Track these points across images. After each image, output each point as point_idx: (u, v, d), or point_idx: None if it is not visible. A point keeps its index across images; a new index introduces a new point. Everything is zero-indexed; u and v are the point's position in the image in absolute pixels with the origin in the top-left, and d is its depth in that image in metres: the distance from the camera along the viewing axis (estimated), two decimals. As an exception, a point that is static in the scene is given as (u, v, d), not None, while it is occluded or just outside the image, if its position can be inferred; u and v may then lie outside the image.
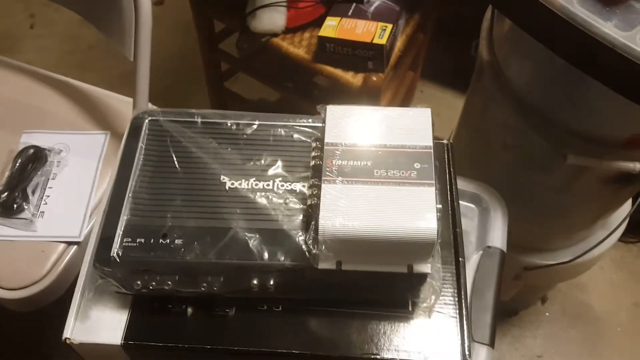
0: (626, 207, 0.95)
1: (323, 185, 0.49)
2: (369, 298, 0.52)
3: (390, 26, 0.99)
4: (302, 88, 1.51)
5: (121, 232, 0.50)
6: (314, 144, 0.54)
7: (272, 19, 1.08)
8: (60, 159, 0.89)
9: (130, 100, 0.90)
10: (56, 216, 0.83)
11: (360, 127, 0.53)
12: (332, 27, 1.02)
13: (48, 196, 0.85)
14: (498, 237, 0.67)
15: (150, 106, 0.92)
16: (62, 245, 0.81)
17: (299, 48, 1.08)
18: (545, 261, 0.95)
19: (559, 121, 0.72)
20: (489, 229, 0.67)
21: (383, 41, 0.97)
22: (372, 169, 0.50)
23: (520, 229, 0.75)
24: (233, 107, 1.52)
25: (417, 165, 0.50)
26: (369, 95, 1.03)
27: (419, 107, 0.54)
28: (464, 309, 0.52)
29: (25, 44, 1.76)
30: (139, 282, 0.49)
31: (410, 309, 0.52)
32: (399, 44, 1.07)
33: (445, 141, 0.61)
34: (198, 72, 1.38)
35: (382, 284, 0.50)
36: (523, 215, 0.79)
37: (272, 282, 0.49)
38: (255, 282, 0.49)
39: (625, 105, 0.60)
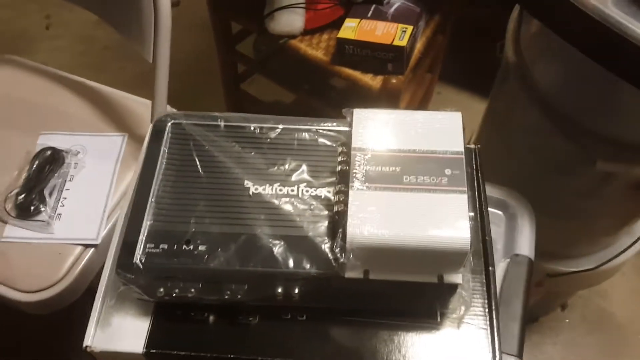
0: (653, 214, 0.93)
1: (350, 192, 0.47)
2: (396, 308, 0.50)
3: (410, 28, 0.98)
4: (318, 90, 1.50)
5: (144, 238, 0.49)
6: (340, 149, 0.53)
7: (290, 21, 1.07)
8: (78, 160, 0.88)
9: (148, 102, 0.89)
10: (73, 218, 0.82)
11: (388, 131, 0.51)
12: (351, 28, 1.00)
13: (65, 198, 0.84)
14: (526, 244, 0.65)
15: (169, 109, 0.91)
16: (79, 248, 0.80)
17: (317, 50, 1.06)
18: (568, 268, 0.93)
19: (589, 125, 0.71)
20: (517, 236, 0.66)
21: (403, 43, 0.96)
22: (402, 175, 0.48)
23: (544, 234, 0.74)
24: (249, 109, 1.51)
25: (448, 172, 0.48)
26: (387, 98, 1.02)
27: (449, 111, 0.52)
28: (494, 321, 0.50)
29: (40, 45, 1.76)
30: (161, 290, 0.48)
31: (438, 319, 0.51)
32: (419, 45, 1.06)
33: (472, 146, 0.60)
34: (214, 73, 1.38)
35: (411, 295, 0.49)
36: (547, 220, 0.77)
37: (297, 291, 0.48)
38: (279, 290, 0.48)
39: (659, 109, 0.58)
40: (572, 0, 0.55)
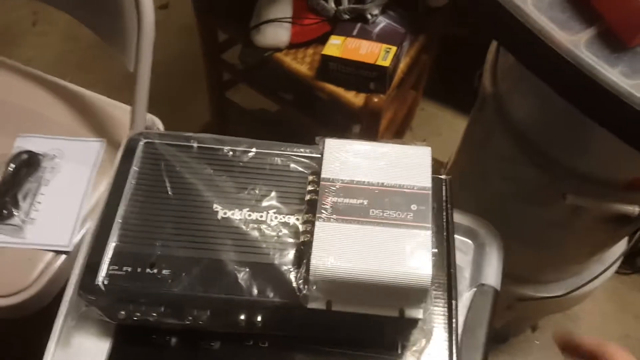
0: (622, 243, 0.94)
1: (317, 223, 0.48)
2: (358, 339, 0.51)
3: (394, 48, 0.99)
4: (302, 102, 1.50)
5: (108, 260, 0.48)
6: (310, 177, 0.53)
7: (276, 34, 1.07)
8: (54, 165, 0.88)
9: (128, 108, 0.89)
10: (46, 224, 0.82)
11: (358, 163, 0.52)
12: (336, 45, 1.01)
13: (40, 203, 0.84)
14: (492, 274, 0.65)
15: (149, 118, 0.91)
16: (51, 254, 0.80)
17: (301, 64, 1.07)
18: (538, 293, 0.95)
19: (560, 159, 0.72)
20: (484, 266, 0.66)
21: (387, 63, 0.97)
22: (369, 208, 0.49)
23: (515, 260, 0.74)
24: (233, 116, 1.51)
25: (414, 207, 0.49)
26: (369, 115, 1.02)
27: (419, 145, 0.53)
28: (454, 355, 0.51)
29: (26, 40, 1.75)
30: (123, 312, 0.48)
31: (399, 351, 0.51)
32: (402, 65, 1.07)
33: (443, 177, 0.60)
34: (200, 77, 1.38)
35: (372, 327, 0.49)
36: (517, 246, 0.78)
37: (259, 319, 0.48)
38: (242, 317, 0.48)
39: (628, 149, 0.59)
40: (547, 42, 0.56)
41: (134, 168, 0.54)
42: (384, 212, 0.48)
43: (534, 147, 0.74)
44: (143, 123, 0.87)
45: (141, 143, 0.56)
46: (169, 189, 0.53)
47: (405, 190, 0.50)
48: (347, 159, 0.52)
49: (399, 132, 1.41)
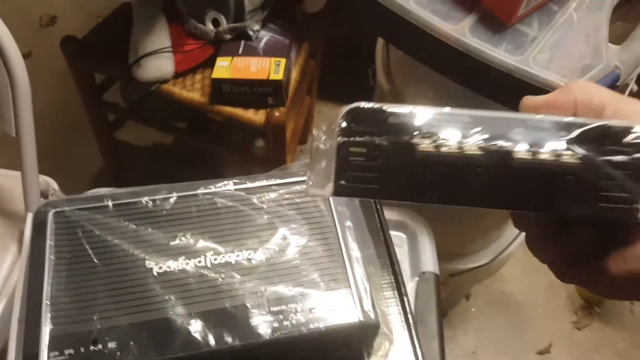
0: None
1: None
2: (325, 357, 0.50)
3: (283, 60, 0.99)
4: (198, 128, 1.47)
5: (46, 347, 0.44)
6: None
7: (159, 66, 1.04)
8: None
9: (16, 173, 0.82)
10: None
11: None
12: (224, 67, 0.99)
13: None
14: (430, 261, 0.68)
15: (42, 180, 0.84)
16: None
17: (192, 92, 1.04)
18: (468, 265, 0.99)
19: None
20: (420, 254, 0.68)
21: (279, 76, 0.96)
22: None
23: (441, 239, 0.77)
24: (126, 157, 1.44)
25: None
26: (273, 130, 1.02)
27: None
28: (417, 350, 0.52)
29: None
30: (75, 400, 0.44)
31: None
32: (294, 75, 1.07)
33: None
34: (84, 122, 1.30)
35: (337, 342, 0.49)
36: (441, 226, 0.80)
37: (223, 367, 0.46)
38: (205, 370, 0.46)
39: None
40: (435, 35, 0.58)
41: (49, 242, 0.50)
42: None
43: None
44: (37, 189, 0.80)
45: (50, 214, 0.51)
46: (92, 256, 0.49)
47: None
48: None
49: (301, 139, 1.42)
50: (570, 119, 0.28)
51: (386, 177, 0.27)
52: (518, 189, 0.27)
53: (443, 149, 0.27)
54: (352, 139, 0.27)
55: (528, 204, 0.28)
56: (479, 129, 0.28)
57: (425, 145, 0.27)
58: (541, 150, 0.27)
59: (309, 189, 0.28)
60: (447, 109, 0.28)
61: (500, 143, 0.27)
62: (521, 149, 0.27)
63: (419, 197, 0.28)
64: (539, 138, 0.27)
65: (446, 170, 0.27)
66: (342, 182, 0.27)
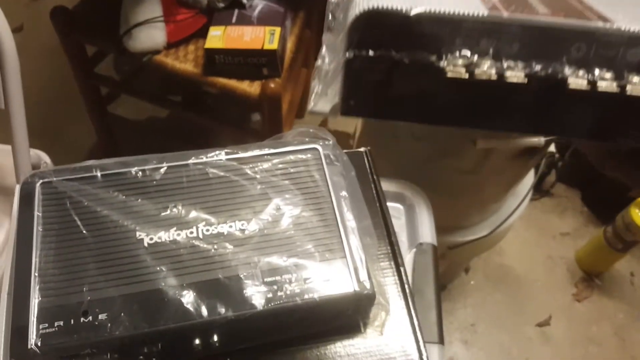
0: (531, 174, 1.00)
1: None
2: (321, 329, 0.49)
3: (278, 29, 0.96)
4: (193, 100, 1.45)
5: (35, 319, 0.43)
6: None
7: (151, 37, 1.01)
8: None
9: (6, 147, 0.81)
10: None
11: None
12: (217, 37, 0.97)
13: None
14: (427, 232, 0.67)
15: (34, 154, 0.83)
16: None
17: (185, 63, 1.02)
18: (466, 238, 0.98)
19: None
20: (418, 226, 0.67)
21: (274, 46, 0.94)
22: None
23: (439, 211, 0.76)
24: (120, 131, 1.42)
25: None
26: (270, 102, 1.00)
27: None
28: (414, 319, 0.51)
29: None
30: (66, 372, 0.43)
31: (362, 330, 0.50)
32: (290, 44, 1.05)
33: (362, 149, 0.60)
34: (76, 97, 1.28)
35: (332, 313, 0.48)
36: (440, 199, 0.79)
37: (216, 338, 0.45)
38: (197, 342, 0.45)
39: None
40: None
41: (37, 213, 0.48)
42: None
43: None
44: (28, 162, 0.79)
45: (38, 185, 0.50)
46: (81, 227, 0.48)
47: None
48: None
49: (298, 113, 1.40)
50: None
51: (405, 100, 0.23)
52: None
53: (479, 76, 0.22)
54: (363, 53, 0.22)
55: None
56: (521, 45, 0.22)
57: (457, 69, 0.22)
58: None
59: (313, 108, 0.25)
60: (486, 14, 0.23)
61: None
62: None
63: (447, 121, 0.24)
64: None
65: (482, 96, 0.22)
66: (351, 102, 0.23)
